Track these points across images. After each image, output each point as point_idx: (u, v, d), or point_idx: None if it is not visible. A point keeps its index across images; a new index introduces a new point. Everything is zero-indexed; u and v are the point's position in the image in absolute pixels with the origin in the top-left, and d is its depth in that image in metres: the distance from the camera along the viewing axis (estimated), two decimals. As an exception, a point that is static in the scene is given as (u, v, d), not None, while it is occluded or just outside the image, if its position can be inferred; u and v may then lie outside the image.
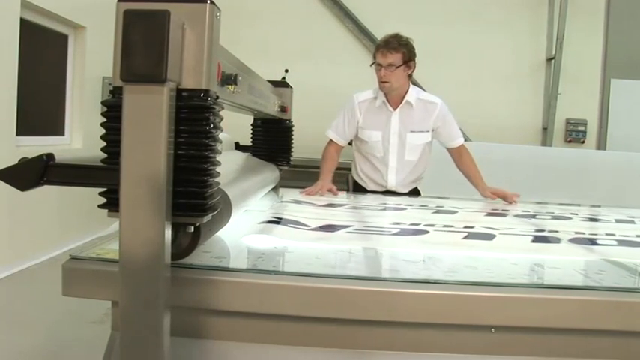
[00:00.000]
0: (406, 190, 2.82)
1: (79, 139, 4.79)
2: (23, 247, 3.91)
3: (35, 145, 3.91)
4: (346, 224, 1.71)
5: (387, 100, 2.70)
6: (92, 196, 1.06)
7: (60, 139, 4.66)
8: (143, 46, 0.91)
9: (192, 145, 1.01)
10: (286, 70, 2.74)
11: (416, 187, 2.89)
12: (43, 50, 4.46)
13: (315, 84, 5.38)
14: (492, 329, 1.09)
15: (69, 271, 1.08)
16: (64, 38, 4.65)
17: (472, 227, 1.80)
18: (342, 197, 2.49)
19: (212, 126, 1.03)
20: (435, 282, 1.12)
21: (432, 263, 1.36)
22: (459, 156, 2.81)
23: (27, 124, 4.00)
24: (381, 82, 2.63)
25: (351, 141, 2.88)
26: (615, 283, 1.20)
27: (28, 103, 3.99)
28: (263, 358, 1.11)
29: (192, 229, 1.05)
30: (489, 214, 2.20)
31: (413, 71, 2.69)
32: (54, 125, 4.66)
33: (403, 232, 1.68)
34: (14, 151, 3.62)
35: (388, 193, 2.79)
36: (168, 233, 0.96)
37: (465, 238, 1.61)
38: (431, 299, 1.08)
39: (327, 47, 5.80)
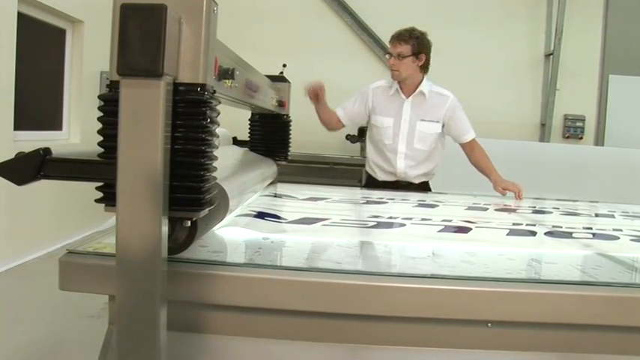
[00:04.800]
0: (417, 181, 2.86)
1: (76, 133, 4.77)
2: (21, 242, 3.91)
3: (33, 140, 3.89)
4: (323, 217, 1.71)
5: (401, 88, 2.81)
6: (89, 190, 1.06)
7: (58, 134, 4.64)
8: (140, 40, 0.90)
9: (189, 139, 1.01)
10: (284, 65, 2.75)
11: (427, 182, 2.92)
12: (40, 45, 4.44)
13: (313, 79, 5.36)
14: (489, 324, 1.10)
15: (66, 265, 1.08)
16: (61, 33, 4.63)
17: (450, 220, 1.81)
18: (325, 191, 2.48)
19: (209, 120, 1.03)
20: (432, 277, 1.12)
21: (406, 256, 1.38)
22: (471, 150, 2.87)
23: (25, 119, 3.98)
24: (391, 70, 2.79)
25: (366, 134, 2.94)
26: (611, 278, 1.20)
27: (25, 98, 3.98)
28: (259, 353, 1.11)
29: (189, 223, 1.05)
30: (470, 208, 2.20)
31: (426, 64, 2.80)
32: (52, 120, 4.64)
33: (379, 225, 1.69)
34: (12, 146, 3.61)
35: (399, 185, 2.81)
36: (165, 228, 0.96)
37: (441, 231, 1.62)
38: (428, 294, 1.08)
39: (325, 42, 5.78)
